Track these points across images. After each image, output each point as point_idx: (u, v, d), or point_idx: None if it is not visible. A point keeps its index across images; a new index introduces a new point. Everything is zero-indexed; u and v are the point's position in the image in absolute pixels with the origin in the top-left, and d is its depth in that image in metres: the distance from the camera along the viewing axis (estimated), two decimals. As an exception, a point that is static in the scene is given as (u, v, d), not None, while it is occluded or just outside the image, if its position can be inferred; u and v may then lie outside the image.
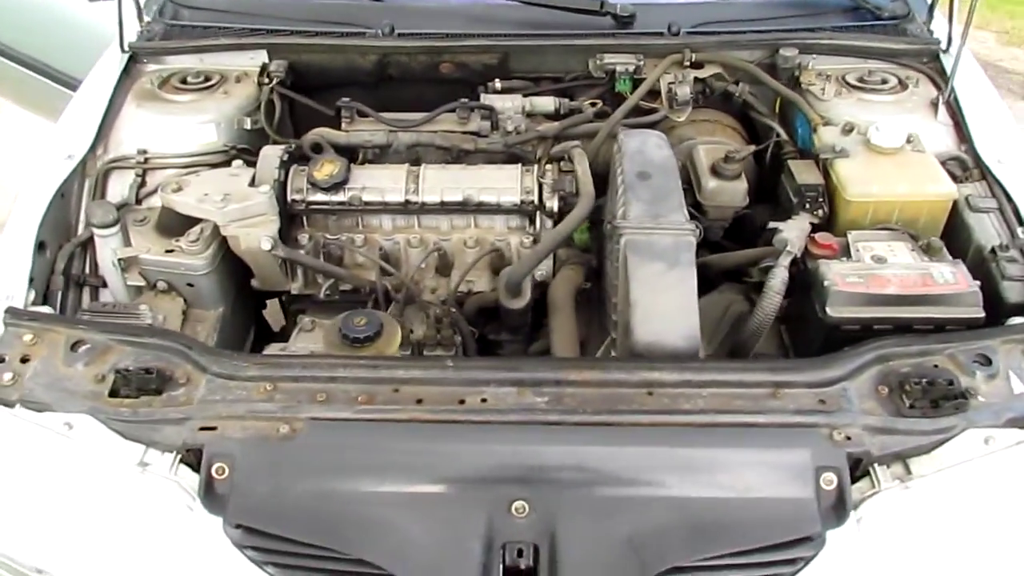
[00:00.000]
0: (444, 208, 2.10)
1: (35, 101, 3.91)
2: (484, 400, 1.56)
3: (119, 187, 2.16)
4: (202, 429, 1.53)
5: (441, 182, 2.10)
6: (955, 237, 1.99)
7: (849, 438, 1.50)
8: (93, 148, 2.16)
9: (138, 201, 2.15)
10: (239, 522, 1.45)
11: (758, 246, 2.17)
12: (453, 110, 2.27)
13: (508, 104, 2.30)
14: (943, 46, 2.39)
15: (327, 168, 2.07)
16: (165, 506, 1.50)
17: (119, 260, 1.98)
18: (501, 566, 1.41)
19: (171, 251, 2.00)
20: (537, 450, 1.50)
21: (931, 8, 2.49)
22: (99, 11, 2.72)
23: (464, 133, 2.26)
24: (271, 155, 2.09)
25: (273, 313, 2.59)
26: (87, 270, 2.02)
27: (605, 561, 1.41)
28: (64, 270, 1.96)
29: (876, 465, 1.51)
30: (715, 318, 2.07)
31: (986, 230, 1.96)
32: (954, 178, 2.05)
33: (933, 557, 1.47)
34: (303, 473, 1.48)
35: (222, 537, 1.46)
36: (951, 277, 1.79)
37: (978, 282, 1.79)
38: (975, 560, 1.48)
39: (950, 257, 1.89)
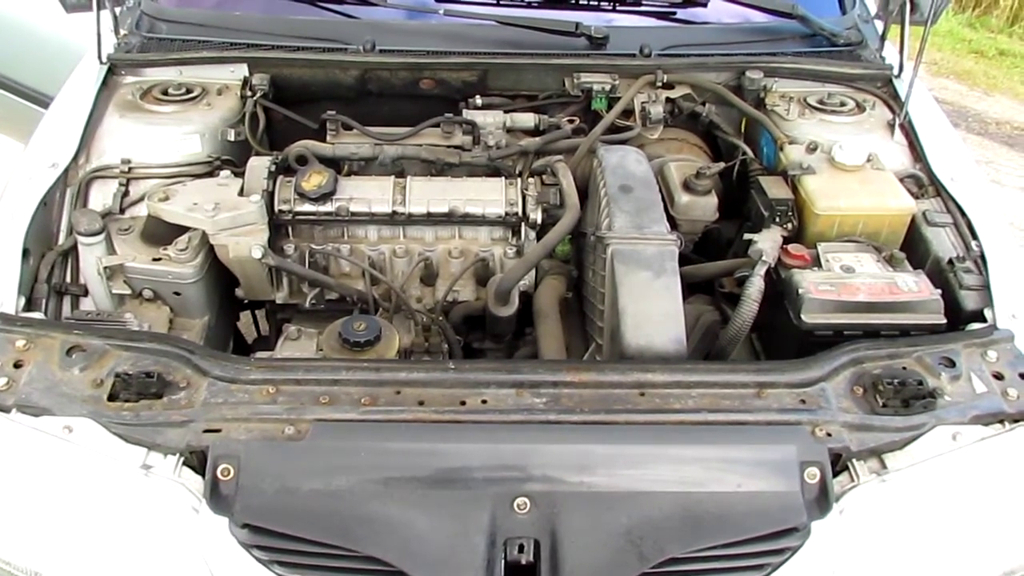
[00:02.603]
0: (430, 219, 2.15)
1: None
2: (484, 401, 1.61)
3: (101, 196, 2.16)
4: (206, 431, 1.55)
5: (427, 194, 2.15)
6: (914, 249, 2.11)
7: (830, 434, 1.59)
8: (75, 157, 2.16)
9: (122, 210, 2.14)
10: (246, 522, 1.47)
11: (726, 259, 2.27)
12: (437, 124, 2.33)
13: (490, 119, 2.36)
14: (895, 72, 2.54)
15: (315, 179, 2.10)
16: (170, 508, 1.51)
17: (105, 268, 1.97)
18: (503, 561, 1.45)
19: (158, 259, 2.00)
20: (538, 448, 1.55)
21: (883, 37, 2.64)
22: (68, 24, 2.74)
23: (448, 147, 2.32)
24: (259, 166, 2.12)
25: (245, 325, 2.62)
26: (68, 278, 2.01)
27: (604, 555, 1.46)
28: (46, 278, 1.95)
29: (854, 460, 1.60)
30: (687, 327, 2.16)
31: (943, 243, 2.09)
32: (911, 195, 2.18)
33: (909, 545, 1.57)
34: (311, 473, 1.51)
35: (228, 537, 1.48)
36: (915, 286, 1.91)
37: (939, 290, 1.91)
38: (947, 547, 1.58)
39: (911, 268, 2.00)
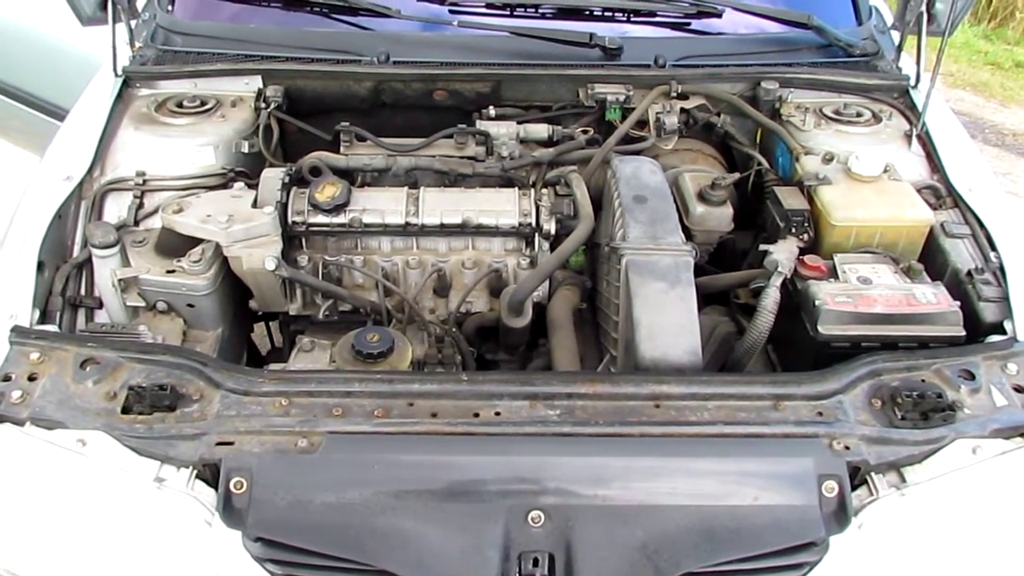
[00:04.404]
0: (443, 230, 2.15)
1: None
2: (498, 413, 1.60)
3: (116, 208, 2.16)
4: (219, 444, 1.54)
5: (440, 204, 2.14)
6: (931, 261, 2.09)
7: (848, 447, 1.57)
8: (90, 170, 2.17)
9: (136, 222, 2.15)
10: (259, 535, 1.47)
11: (741, 270, 2.26)
12: (450, 135, 2.33)
13: (503, 130, 2.36)
14: (912, 82, 2.52)
15: (329, 190, 2.10)
16: (183, 521, 1.51)
17: (119, 281, 1.98)
18: (517, 575, 1.44)
19: (172, 271, 2.00)
20: (552, 461, 1.54)
21: (899, 47, 2.62)
22: (84, 37, 2.76)
23: (461, 158, 2.31)
24: (272, 177, 2.12)
25: (259, 336, 2.62)
26: (83, 291, 2.01)
27: (620, 569, 1.45)
28: (61, 291, 1.96)
29: (873, 473, 1.58)
30: (703, 339, 2.14)
31: (961, 254, 2.07)
32: (929, 206, 2.16)
33: (929, 560, 1.55)
34: (324, 485, 1.50)
35: (241, 551, 1.48)
36: (933, 297, 1.89)
37: (958, 302, 1.88)
38: (967, 562, 1.55)
39: (929, 279, 1.98)
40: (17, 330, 1.73)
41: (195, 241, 2.03)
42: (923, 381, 1.69)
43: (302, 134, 2.46)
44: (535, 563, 1.44)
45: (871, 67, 2.59)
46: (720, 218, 2.22)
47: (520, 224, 2.14)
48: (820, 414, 1.63)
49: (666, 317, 1.77)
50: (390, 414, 1.59)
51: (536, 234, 2.16)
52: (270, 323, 2.57)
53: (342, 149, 2.34)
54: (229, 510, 1.49)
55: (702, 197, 2.22)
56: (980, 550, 1.56)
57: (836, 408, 1.64)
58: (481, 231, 2.16)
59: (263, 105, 2.39)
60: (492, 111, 2.45)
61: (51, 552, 1.51)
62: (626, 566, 1.45)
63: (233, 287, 2.10)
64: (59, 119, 2.83)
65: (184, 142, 2.27)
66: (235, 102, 2.41)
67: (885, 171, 2.20)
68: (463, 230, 2.15)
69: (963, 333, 1.86)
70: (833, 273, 1.98)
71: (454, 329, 2.09)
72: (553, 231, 2.14)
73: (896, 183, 2.19)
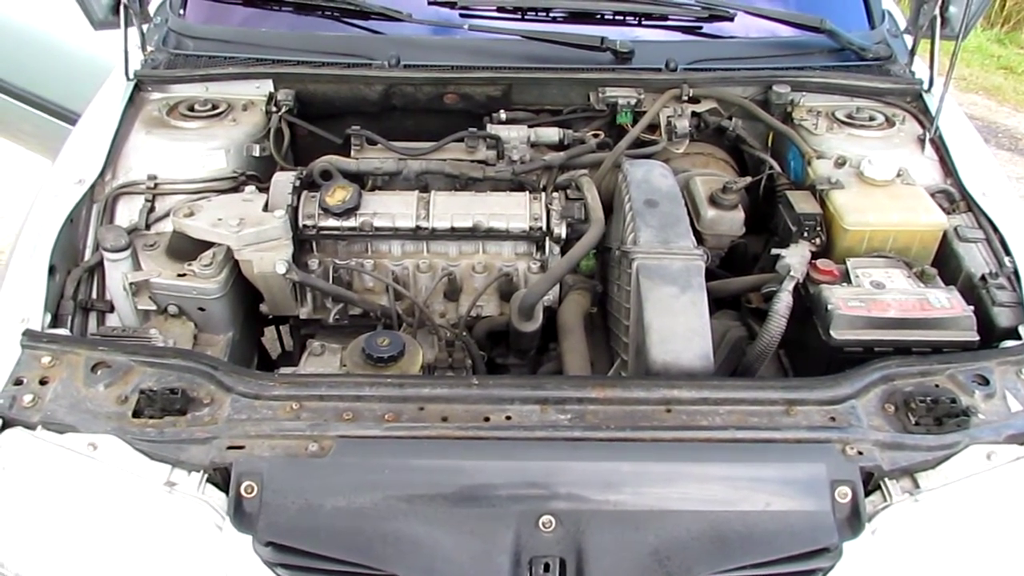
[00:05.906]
0: (454, 234, 2.15)
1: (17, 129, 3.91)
2: (509, 417, 1.60)
3: (127, 212, 2.17)
4: (230, 448, 1.54)
5: (451, 208, 2.14)
6: (945, 265, 2.08)
7: (861, 453, 1.56)
8: (102, 174, 2.17)
9: (147, 226, 2.15)
10: (270, 539, 1.46)
11: (753, 274, 2.25)
12: (461, 139, 2.33)
13: (514, 134, 2.36)
14: (925, 86, 2.51)
15: (339, 194, 2.11)
16: (193, 525, 1.51)
17: (130, 284, 1.98)
18: (529, 581, 1.43)
19: (183, 275, 2.00)
20: (563, 465, 1.53)
21: (912, 51, 2.61)
22: (96, 41, 2.77)
23: (472, 162, 2.31)
24: (283, 181, 2.12)
25: (269, 340, 2.62)
26: (94, 295, 2.02)
27: (631, 574, 1.44)
28: (72, 295, 1.96)
29: (886, 479, 1.57)
30: (714, 343, 2.13)
31: (975, 259, 2.06)
32: (942, 210, 2.14)
33: (943, 566, 1.54)
34: (334, 490, 1.49)
35: (252, 555, 1.47)
36: (946, 302, 1.88)
37: (972, 307, 1.87)
38: (981, 569, 1.54)
39: (943, 284, 1.97)
40: (29, 334, 1.73)
41: (206, 245, 2.03)
42: (937, 386, 1.68)
43: (313, 137, 2.46)
44: (546, 568, 1.44)
45: (884, 71, 2.58)
46: (731, 222, 2.21)
47: (531, 228, 2.14)
48: (833, 419, 1.62)
49: (677, 321, 1.77)
50: (400, 418, 1.59)
51: (547, 238, 2.15)
52: (280, 327, 2.57)
53: (353, 152, 2.34)
54: (240, 514, 1.49)
55: (713, 201, 2.21)
56: (994, 556, 1.55)
57: (849, 413, 1.63)
58: (491, 235, 2.16)
59: (274, 109, 2.40)
60: (503, 115, 2.45)
61: (62, 556, 1.51)
62: (637, 572, 1.44)
63: (244, 291, 2.11)
64: (71, 123, 2.84)
65: (195, 146, 2.27)
66: (246, 106, 2.41)
67: (898, 175, 2.19)
68: (473, 234, 2.15)
69: (977, 338, 1.85)
70: (846, 277, 1.97)
71: (464, 333, 2.09)
72: (564, 235, 2.13)
73: (909, 187, 2.18)
